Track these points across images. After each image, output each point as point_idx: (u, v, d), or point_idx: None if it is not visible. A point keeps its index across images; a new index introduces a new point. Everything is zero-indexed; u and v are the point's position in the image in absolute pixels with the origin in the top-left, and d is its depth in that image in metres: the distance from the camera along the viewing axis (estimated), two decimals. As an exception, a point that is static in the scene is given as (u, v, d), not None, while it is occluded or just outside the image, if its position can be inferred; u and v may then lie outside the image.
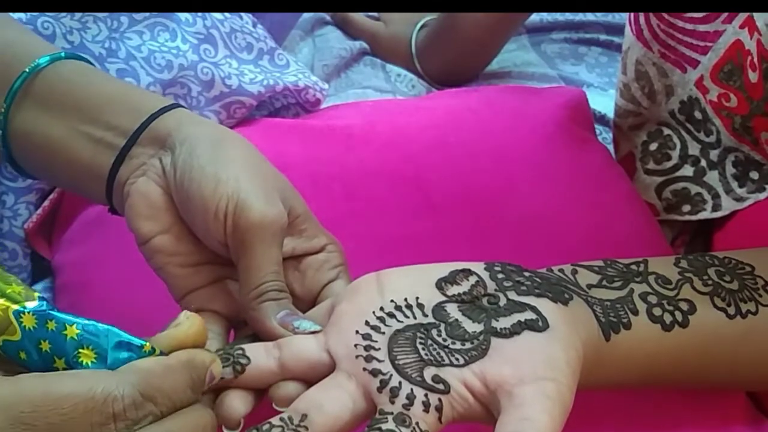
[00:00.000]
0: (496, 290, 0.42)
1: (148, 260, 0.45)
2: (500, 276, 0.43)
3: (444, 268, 0.43)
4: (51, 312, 0.35)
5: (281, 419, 0.37)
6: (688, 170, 0.63)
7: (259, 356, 0.41)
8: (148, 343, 0.36)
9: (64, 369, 0.35)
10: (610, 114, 0.70)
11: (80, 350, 0.35)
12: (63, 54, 0.49)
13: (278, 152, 0.57)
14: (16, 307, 0.35)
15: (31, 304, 0.35)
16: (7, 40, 0.50)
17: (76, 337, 0.35)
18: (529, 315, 0.40)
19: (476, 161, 0.62)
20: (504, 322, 0.40)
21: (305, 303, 0.45)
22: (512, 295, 0.42)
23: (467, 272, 0.43)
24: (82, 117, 0.47)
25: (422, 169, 0.61)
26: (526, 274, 0.43)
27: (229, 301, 0.45)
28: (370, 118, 0.65)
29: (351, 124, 0.64)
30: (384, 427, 0.36)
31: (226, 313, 0.45)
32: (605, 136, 0.73)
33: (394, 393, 0.38)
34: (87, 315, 0.36)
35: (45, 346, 0.35)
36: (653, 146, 0.64)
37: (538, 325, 0.40)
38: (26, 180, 0.64)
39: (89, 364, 0.35)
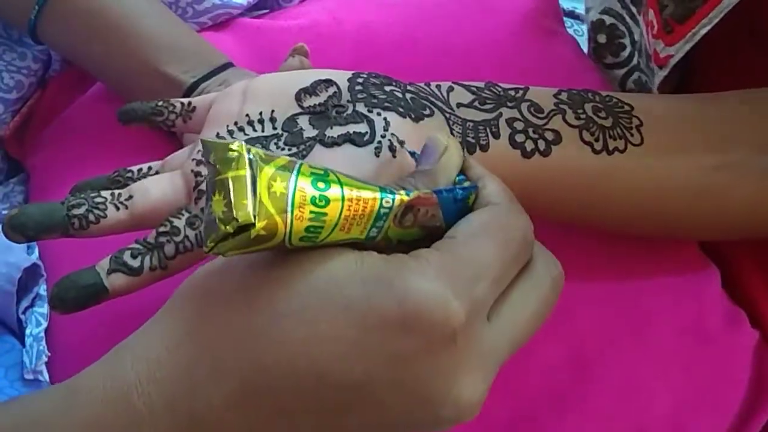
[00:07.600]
0: (348, 101, 0.42)
1: None
2: (357, 88, 0.42)
3: (309, 77, 0.43)
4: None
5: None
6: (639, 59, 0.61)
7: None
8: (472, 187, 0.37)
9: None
10: (580, 8, 0.70)
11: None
12: None
13: (251, 56, 0.59)
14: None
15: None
16: None
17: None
18: (360, 128, 0.40)
19: (444, 57, 0.62)
20: (334, 132, 0.40)
21: None
22: (360, 107, 0.41)
23: (328, 83, 0.43)
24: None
25: (391, 68, 0.61)
26: (388, 88, 0.43)
27: None
28: (336, 14, 0.65)
29: (318, 21, 0.65)
30: (175, 222, 0.39)
31: None
32: (576, 28, 0.73)
33: (199, 195, 0.39)
34: None
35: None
36: (601, 38, 0.63)
37: (362, 139, 0.40)
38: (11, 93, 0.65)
39: None
